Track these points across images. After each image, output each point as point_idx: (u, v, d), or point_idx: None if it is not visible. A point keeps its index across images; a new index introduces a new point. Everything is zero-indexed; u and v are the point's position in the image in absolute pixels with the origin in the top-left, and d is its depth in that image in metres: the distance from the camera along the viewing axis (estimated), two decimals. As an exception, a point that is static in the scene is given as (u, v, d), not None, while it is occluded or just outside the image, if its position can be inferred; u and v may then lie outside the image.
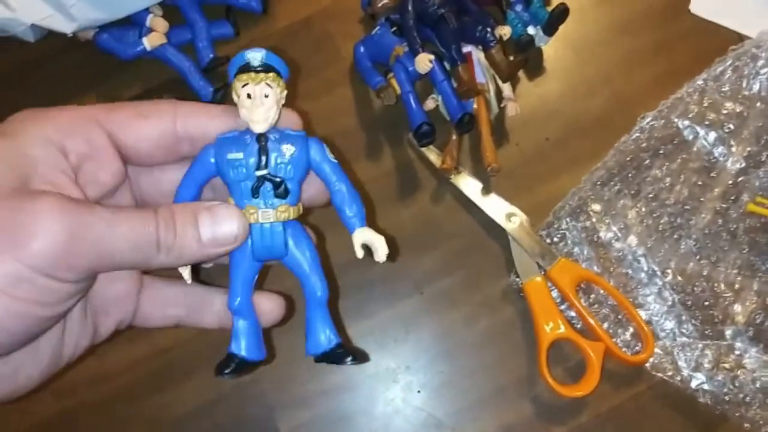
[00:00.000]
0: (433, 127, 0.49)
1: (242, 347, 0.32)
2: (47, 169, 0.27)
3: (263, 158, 0.30)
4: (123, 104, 0.30)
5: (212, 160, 0.31)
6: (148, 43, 0.51)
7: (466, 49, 0.51)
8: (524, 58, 0.49)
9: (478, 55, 0.51)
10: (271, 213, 0.30)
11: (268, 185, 0.30)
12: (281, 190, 0.30)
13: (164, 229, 0.27)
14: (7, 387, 0.28)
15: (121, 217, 0.26)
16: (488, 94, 0.50)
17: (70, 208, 0.25)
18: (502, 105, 0.51)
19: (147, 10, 0.52)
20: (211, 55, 0.53)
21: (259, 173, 0.30)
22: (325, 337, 0.33)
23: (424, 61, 0.48)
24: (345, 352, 0.33)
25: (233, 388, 0.48)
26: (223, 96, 0.53)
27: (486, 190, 0.50)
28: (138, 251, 0.27)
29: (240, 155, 0.30)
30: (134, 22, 0.52)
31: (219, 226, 0.29)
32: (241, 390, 0.48)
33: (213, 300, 0.34)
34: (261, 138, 0.30)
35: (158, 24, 0.51)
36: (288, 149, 0.30)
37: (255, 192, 0.30)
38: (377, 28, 0.53)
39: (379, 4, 0.53)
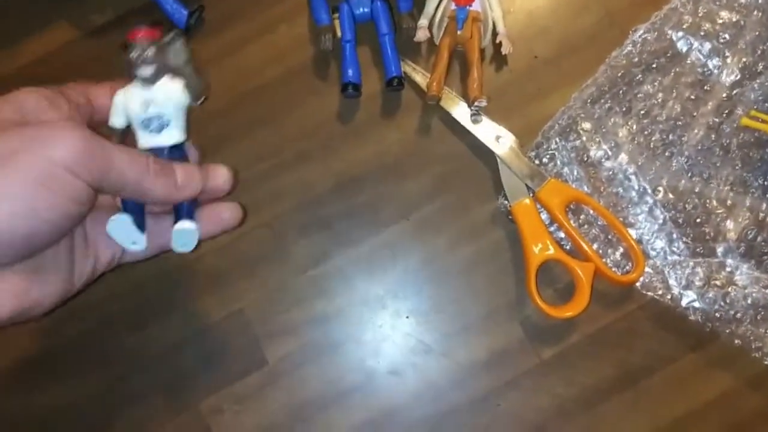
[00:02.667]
0: (359, 91, 0.49)
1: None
2: (45, 116, 0.34)
3: None
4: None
5: None
6: (116, -38, 0.49)
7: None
8: None
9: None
10: None
11: None
12: None
13: (152, 163, 0.35)
14: (27, 302, 0.33)
15: (119, 145, 0.34)
16: (481, 24, 0.49)
17: (80, 126, 0.32)
18: (497, 41, 0.49)
19: (113, -73, 0.49)
20: (184, -24, 0.50)
21: None
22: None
23: None
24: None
25: (218, 319, 0.47)
26: (198, 20, 0.51)
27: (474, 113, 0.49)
28: (133, 176, 0.33)
29: None
30: (100, -59, 0.50)
31: (188, 175, 0.37)
32: (226, 321, 0.47)
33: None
34: None
35: (125, -59, 0.49)
36: None
37: None
38: None
39: None
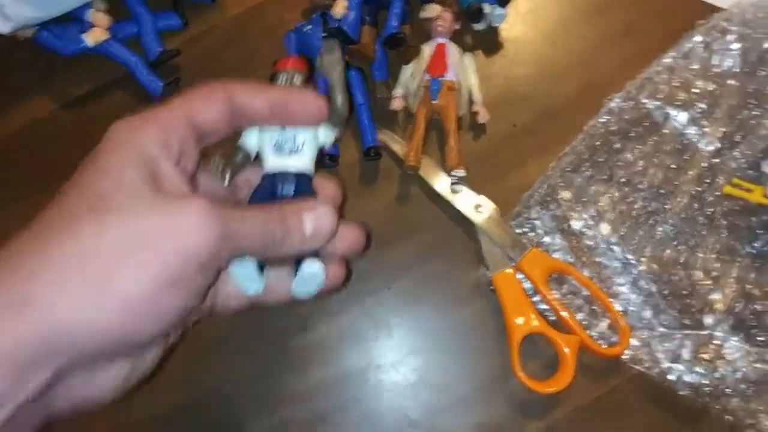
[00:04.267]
0: (336, 161, 0.49)
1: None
2: (166, 167, 0.29)
3: None
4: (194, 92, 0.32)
5: None
6: (90, 39, 0.49)
7: (442, 40, 0.49)
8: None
9: (452, 49, 0.49)
10: None
11: None
12: None
13: (279, 224, 0.31)
14: (128, 387, 0.31)
15: (247, 215, 0.30)
16: (457, 93, 0.49)
17: (216, 209, 0.27)
18: (473, 110, 0.49)
19: (88, 5, 0.49)
20: (159, 49, 0.50)
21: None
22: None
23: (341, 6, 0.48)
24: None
25: (198, 397, 0.46)
26: (174, 89, 0.51)
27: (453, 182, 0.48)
28: (260, 244, 0.30)
29: None
30: (75, 18, 0.50)
31: (320, 222, 0.32)
32: (204, 398, 0.46)
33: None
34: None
35: (99, 19, 0.49)
36: None
37: None
38: (309, 24, 0.50)
39: None
